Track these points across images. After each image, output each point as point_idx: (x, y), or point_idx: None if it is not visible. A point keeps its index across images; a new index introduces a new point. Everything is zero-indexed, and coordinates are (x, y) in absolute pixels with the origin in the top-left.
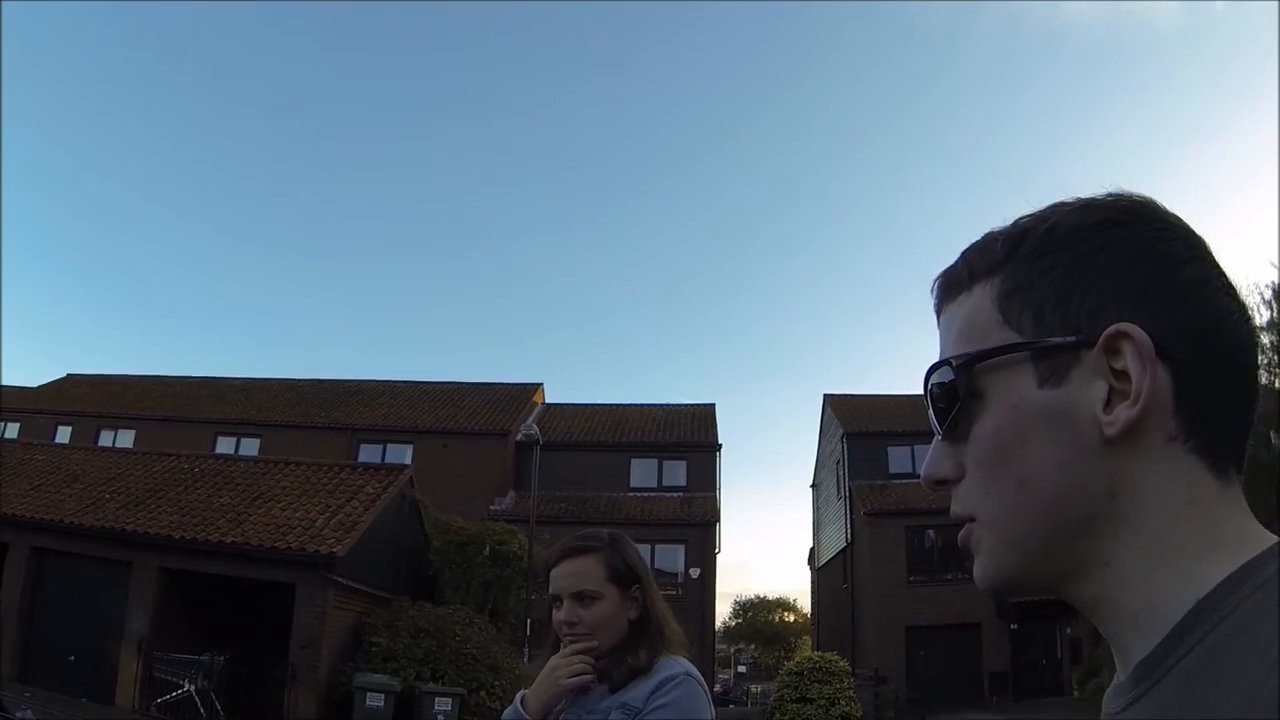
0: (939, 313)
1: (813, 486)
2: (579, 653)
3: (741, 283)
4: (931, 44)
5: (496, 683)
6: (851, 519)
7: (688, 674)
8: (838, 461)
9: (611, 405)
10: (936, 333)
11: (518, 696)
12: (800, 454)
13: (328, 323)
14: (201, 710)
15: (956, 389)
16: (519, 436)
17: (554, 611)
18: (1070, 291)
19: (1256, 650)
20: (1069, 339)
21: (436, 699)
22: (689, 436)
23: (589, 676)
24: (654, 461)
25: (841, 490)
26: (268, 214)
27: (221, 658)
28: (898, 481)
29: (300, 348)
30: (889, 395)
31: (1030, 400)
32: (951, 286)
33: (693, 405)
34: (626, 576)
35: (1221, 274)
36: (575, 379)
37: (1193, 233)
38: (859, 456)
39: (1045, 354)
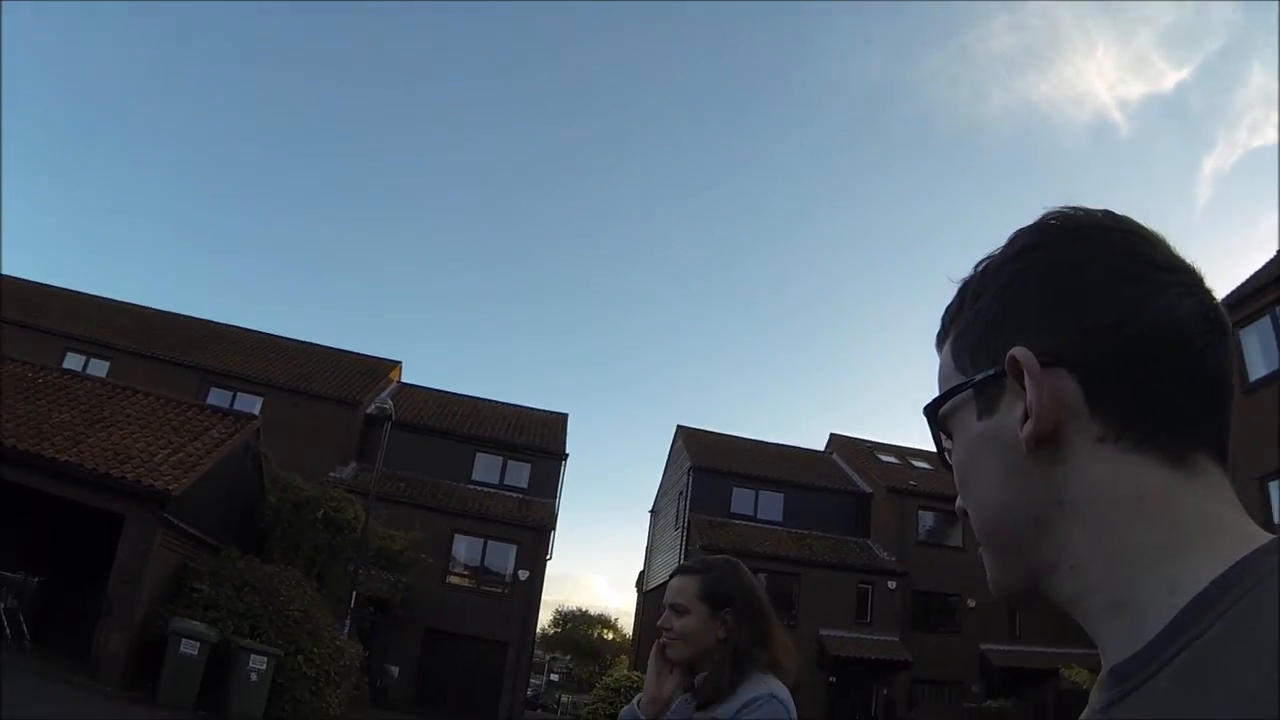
0: None
1: (652, 512)
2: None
3: (617, 301)
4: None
5: (315, 649)
6: (686, 549)
7: (772, 695)
8: (680, 493)
9: (466, 396)
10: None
11: (633, 700)
12: (642, 479)
13: (193, 255)
14: (7, 630)
15: (932, 431)
16: (370, 409)
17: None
18: (991, 326)
19: (1252, 652)
20: (989, 372)
21: (252, 655)
22: (537, 441)
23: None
24: (499, 459)
25: (680, 521)
26: (153, 121)
27: (36, 579)
28: (737, 521)
29: (162, 276)
30: (742, 438)
31: (973, 432)
32: (938, 343)
33: (546, 411)
34: (719, 600)
35: (1141, 262)
36: (435, 365)
37: (1111, 230)
38: (703, 491)
39: (982, 389)
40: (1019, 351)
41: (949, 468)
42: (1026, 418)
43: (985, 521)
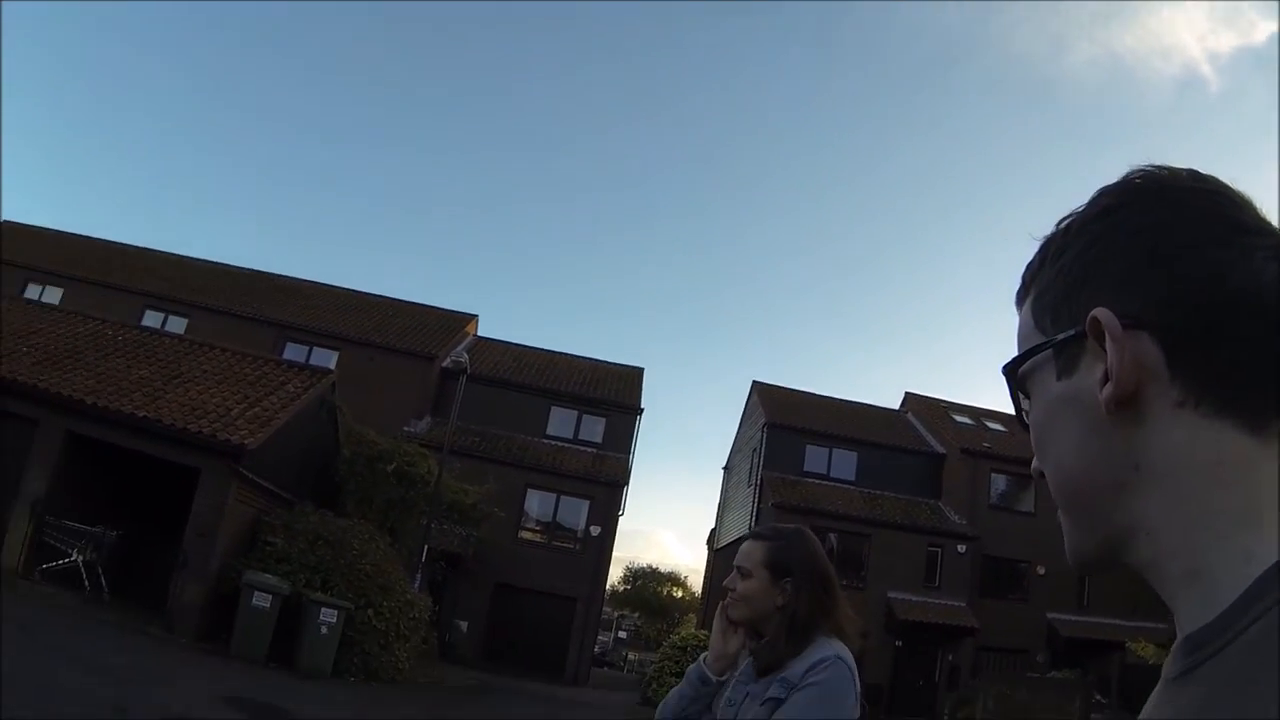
0: None
1: (725, 469)
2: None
3: (697, 256)
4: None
5: (385, 603)
6: (759, 508)
7: (838, 657)
8: (755, 449)
9: (542, 350)
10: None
11: (700, 658)
12: (717, 436)
13: (271, 210)
14: (86, 582)
15: (1011, 391)
16: (446, 363)
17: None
18: (1072, 286)
19: None
20: (1070, 333)
21: (323, 609)
22: (613, 395)
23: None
24: (574, 413)
25: (754, 478)
26: (240, 91)
27: (114, 533)
28: (810, 480)
29: (240, 233)
30: (817, 395)
31: (1053, 392)
32: (1018, 303)
33: (622, 365)
34: (780, 568)
35: (1228, 225)
36: (512, 318)
37: (1198, 191)
38: (777, 448)
39: (1061, 349)
40: (1101, 312)
41: (1027, 428)
42: (1106, 380)
43: (1062, 484)
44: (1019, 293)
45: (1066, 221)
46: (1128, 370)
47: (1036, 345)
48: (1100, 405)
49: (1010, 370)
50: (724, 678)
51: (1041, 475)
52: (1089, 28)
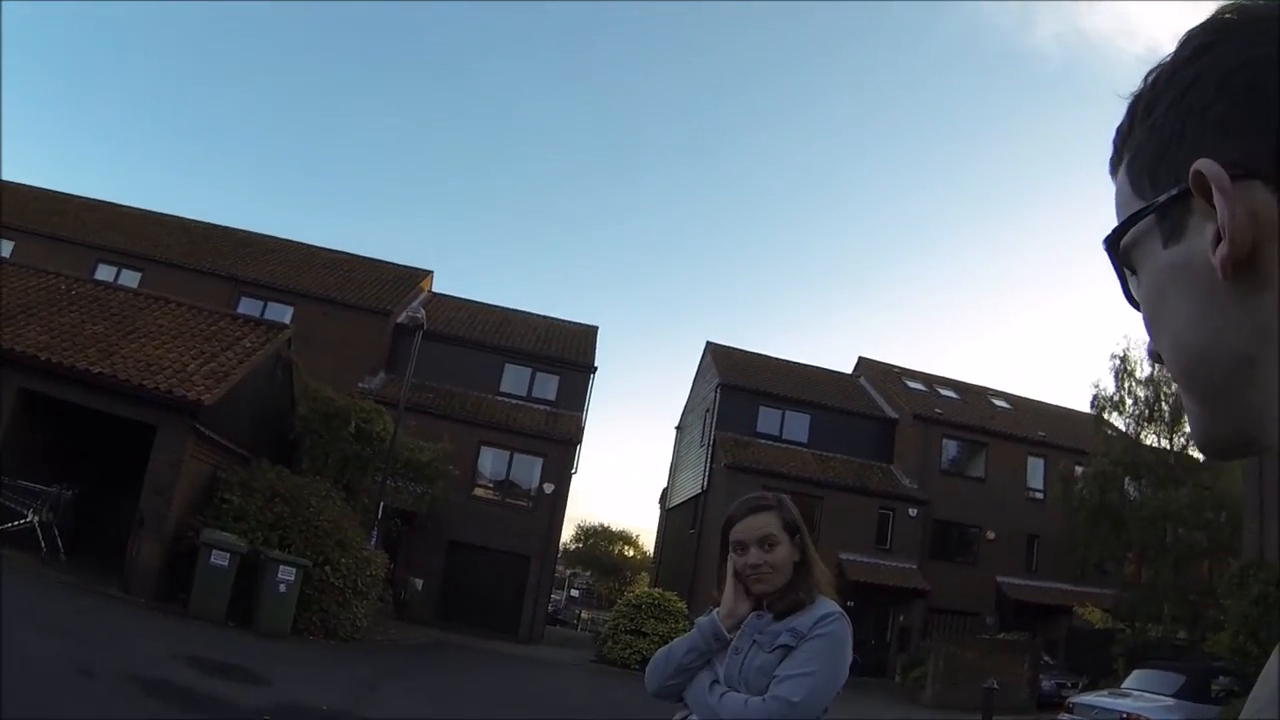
0: None
1: (677, 428)
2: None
3: (649, 209)
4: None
5: (343, 560)
6: (711, 468)
7: (840, 614)
8: (708, 410)
9: (497, 307)
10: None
11: (709, 611)
12: (668, 394)
13: (223, 162)
14: (43, 543)
15: (1115, 265)
16: (401, 318)
17: (735, 557)
18: (1169, 141)
19: None
20: (1172, 192)
21: (281, 567)
22: (566, 353)
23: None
24: (528, 371)
25: (706, 438)
26: (184, 23)
27: (70, 491)
28: (763, 441)
29: (193, 184)
30: (772, 357)
31: (1160, 262)
32: (1112, 171)
33: (576, 324)
34: (793, 527)
35: None
36: (467, 274)
37: None
38: (730, 409)
39: (1165, 212)
40: (1204, 164)
41: (1136, 305)
42: (1219, 240)
43: (1183, 364)
44: (1112, 160)
45: (1154, 73)
46: (1241, 226)
47: (1137, 211)
48: (1215, 270)
49: (1112, 242)
50: (732, 636)
51: (1158, 357)
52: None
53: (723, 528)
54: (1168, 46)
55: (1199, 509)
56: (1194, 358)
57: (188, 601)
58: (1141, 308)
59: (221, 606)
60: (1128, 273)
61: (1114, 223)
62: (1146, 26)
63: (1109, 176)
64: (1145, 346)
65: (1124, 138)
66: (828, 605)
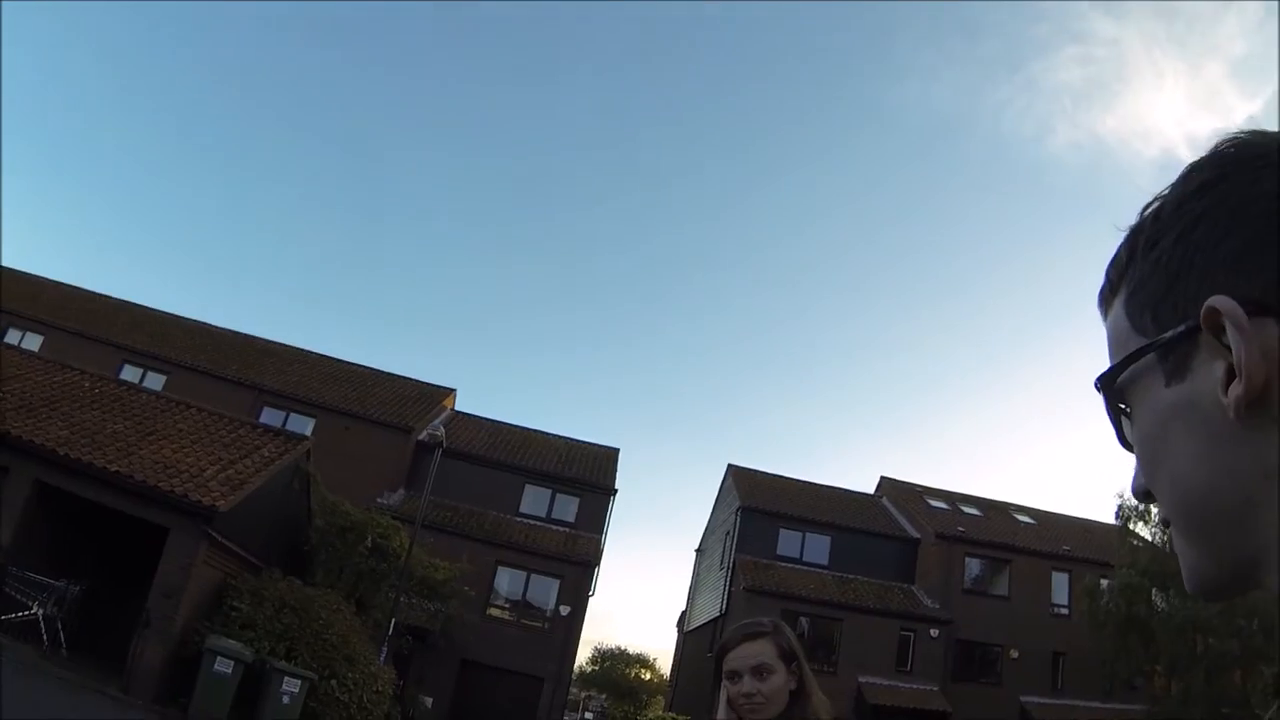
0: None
1: (698, 551)
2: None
3: (673, 333)
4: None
5: (350, 674)
6: (730, 590)
7: None
8: (728, 532)
9: (518, 427)
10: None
11: None
12: (690, 516)
13: (255, 272)
14: (45, 637)
15: (1108, 405)
16: (422, 436)
17: (729, 685)
18: (1176, 277)
19: None
20: (1179, 330)
21: (286, 678)
22: (587, 475)
23: None
24: (548, 492)
25: (726, 560)
26: (229, 152)
27: (77, 587)
28: (783, 564)
29: (222, 293)
30: (792, 479)
31: (1162, 401)
32: (1102, 303)
33: (597, 445)
34: (790, 655)
35: None
36: (489, 393)
37: None
38: (750, 531)
39: (1168, 350)
40: (1220, 301)
41: (1128, 446)
42: (1231, 378)
43: (1181, 504)
44: (1103, 293)
45: (1154, 206)
46: (1257, 364)
47: (1139, 349)
48: (1222, 410)
49: (1107, 381)
50: None
51: (1147, 496)
52: (1070, 111)
53: (716, 654)
54: (1181, 150)
55: (1230, 616)
56: (1195, 497)
57: (188, 706)
58: (1136, 447)
59: (222, 714)
60: (1122, 410)
61: (1104, 361)
62: (1161, 129)
63: (1098, 310)
64: (1132, 485)
65: (1121, 271)
66: None
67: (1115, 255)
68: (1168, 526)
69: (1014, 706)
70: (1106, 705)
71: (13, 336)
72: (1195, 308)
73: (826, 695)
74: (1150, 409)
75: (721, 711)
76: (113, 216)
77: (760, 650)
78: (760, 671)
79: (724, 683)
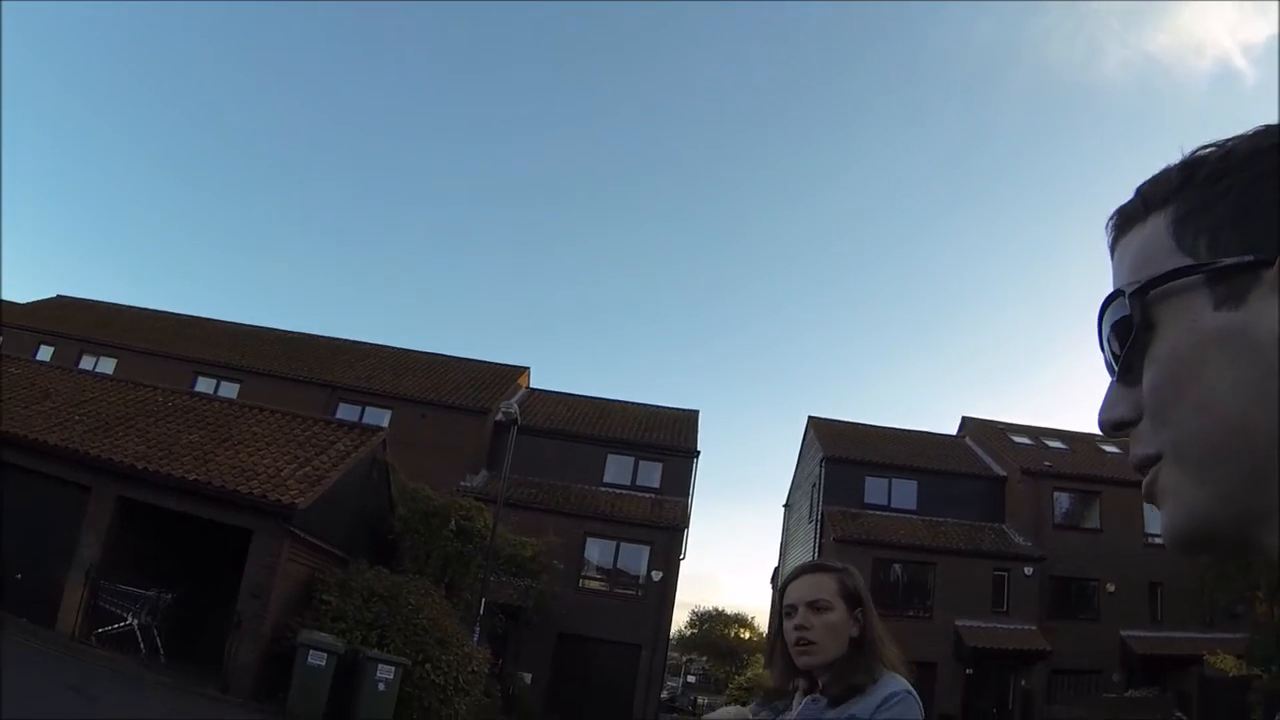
0: (1112, 251)
1: (786, 506)
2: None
3: (743, 292)
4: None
5: (443, 657)
6: (820, 543)
7: (908, 692)
8: (814, 485)
9: (595, 398)
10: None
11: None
12: (776, 473)
13: (322, 275)
14: (141, 645)
15: (1130, 320)
16: (498, 416)
17: (785, 621)
18: (1247, 212)
19: None
20: (1246, 259)
21: (380, 666)
22: (668, 440)
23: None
24: (630, 460)
25: (814, 513)
26: (286, 163)
27: (168, 595)
28: (871, 512)
29: (291, 297)
30: (874, 426)
31: (1206, 322)
32: (1126, 220)
33: (676, 409)
34: (854, 598)
35: None
36: (563, 367)
37: None
38: (836, 482)
39: (1222, 276)
40: None
41: (1125, 367)
42: None
43: (1207, 430)
44: (1129, 211)
45: (1218, 148)
46: None
47: (1185, 266)
48: (1275, 345)
49: (1142, 290)
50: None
51: (1118, 427)
52: (1120, 31)
53: (778, 592)
54: (1237, 59)
55: None
56: (1226, 426)
57: (286, 701)
58: (1155, 368)
59: (320, 706)
60: (1140, 327)
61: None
62: (1215, 38)
63: (1107, 225)
64: (1102, 413)
65: (1168, 192)
66: (893, 684)
67: (1158, 177)
68: (1147, 467)
69: (1114, 641)
70: (1208, 635)
71: (86, 362)
72: (1266, 243)
73: (923, 640)
74: (1188, 329)
75: (777, 653)
76: (181, 239)
77: (819, 584)
78: (816, 606)
79: (784, 623)
